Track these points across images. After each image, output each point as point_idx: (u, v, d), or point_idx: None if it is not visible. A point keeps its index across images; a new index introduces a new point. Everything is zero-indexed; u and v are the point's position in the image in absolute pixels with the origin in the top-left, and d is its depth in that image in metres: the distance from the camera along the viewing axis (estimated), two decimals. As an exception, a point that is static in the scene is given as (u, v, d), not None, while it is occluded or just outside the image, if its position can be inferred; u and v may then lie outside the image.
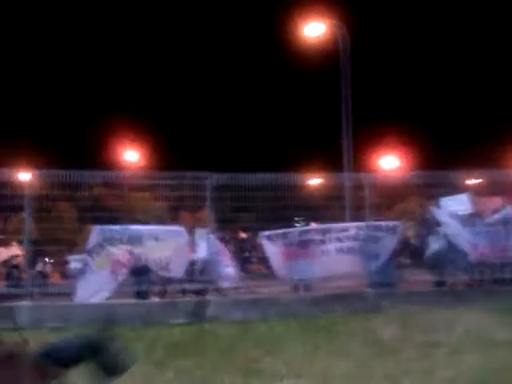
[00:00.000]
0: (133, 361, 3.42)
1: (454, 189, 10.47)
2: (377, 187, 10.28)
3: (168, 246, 9.30)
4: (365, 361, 5.62)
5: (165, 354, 6.12)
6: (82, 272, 9.10)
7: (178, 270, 9.16)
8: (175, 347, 6.55)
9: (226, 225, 12.84)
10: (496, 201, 10.19)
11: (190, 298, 9.04)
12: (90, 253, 9.07)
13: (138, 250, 9.08)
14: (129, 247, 9.03)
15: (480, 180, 11.61)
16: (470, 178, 11.71)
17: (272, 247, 9.92)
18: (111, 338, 3.20)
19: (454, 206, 9.82)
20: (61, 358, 3.12)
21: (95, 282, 8.80)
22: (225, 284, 9.58)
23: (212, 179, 9.00)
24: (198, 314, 8.33)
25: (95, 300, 8.63)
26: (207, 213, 9.18)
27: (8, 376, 2.91)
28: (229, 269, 9.95)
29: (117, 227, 9.29)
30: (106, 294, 8.78)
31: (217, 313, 8.39)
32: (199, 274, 9.52)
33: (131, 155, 31.61)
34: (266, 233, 10.04)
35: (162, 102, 37.17)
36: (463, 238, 9.55)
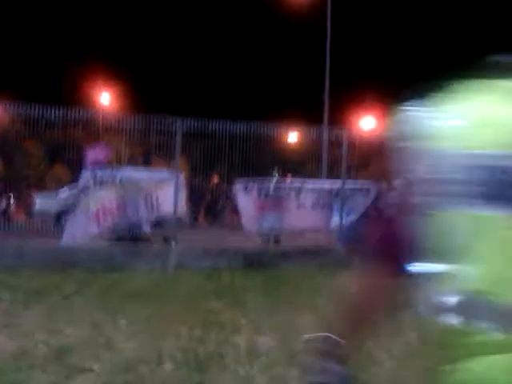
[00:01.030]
0: None
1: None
2: (354, 145, 10.00)
3: (161, 188, 8.99)
4: (326, 316, 5.48)
5: (120, 301, 5.89)
6: (68, 213, 8.76)
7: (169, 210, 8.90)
8: (133, 294, 6.30)
9: (198, 173, 12.53)
10: None
11: (156, 245, 8.75)
12: (77, 195, 8.69)
13: (128, 194, 8.76)
14: (120, 191, 8.68)
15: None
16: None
17: (245, 197, 9.67)
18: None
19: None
20: None
21: (80, 224, 8.46)
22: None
23: (181, 124, 8.55)
24: (162, 261, 8.07)
25: (80, 241, 8.33)
26: (176, 159, 8.77)
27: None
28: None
29: (108, 170, 8.89)
30: (88, 236, 8.47)
31: (182, 261, 8.14)
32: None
33: (105, 97, 30.54)
34: (241, 182, 9.75)
35: (142, 48, 35.81)
36: None
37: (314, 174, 14.51)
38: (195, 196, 12.48)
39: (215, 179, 14.41)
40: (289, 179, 10.81)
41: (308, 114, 20.28)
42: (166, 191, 8.96)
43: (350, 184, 9.51)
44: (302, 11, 21.55)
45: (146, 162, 14.44)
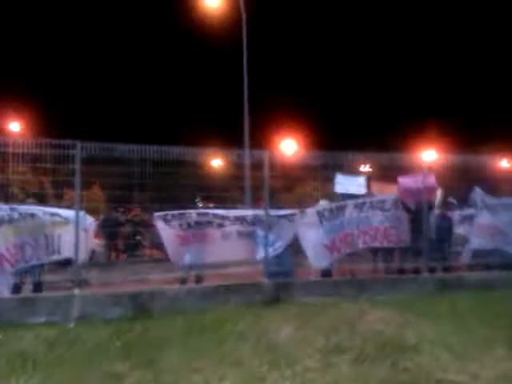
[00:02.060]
0: None
1: (351, 171, 9.88)
2: (275, 167, 9.32)
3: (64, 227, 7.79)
4: (255, 373, 4.63)
5: (4, 367, 4.77)
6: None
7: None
8: (22, 357, 5.16)
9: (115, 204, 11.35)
10: (390, 187, 9.71)
11: (55, 293, 7.50)
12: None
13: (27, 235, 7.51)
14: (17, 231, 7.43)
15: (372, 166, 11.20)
16: (367, 162, 11.24)
17: (166, 229, 8.65)
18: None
19: (348, 186, 9.19)
20: None
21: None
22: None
23: (80, 148, 7.46)
24: (61, 313, 6.88)
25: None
26: (76, 190, 7.61)
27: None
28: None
29: (5, 207, 7.59)
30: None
31: (86, 311, 6.98)
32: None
33: (14, 125, 28.45)
34: (160, 213, 8.74)
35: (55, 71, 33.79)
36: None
37: (239, 201, 13.72)
38: (112, 231, 11.27)
39: (135, 211, 13.27)
40: (211, 208, 9.93)
41: (227, 137, 19.70)
42: (68, 229, 7.82)
43: (274, 210, 8.76)
44: (218, 32, 21.10)
45: (58, 196, 13.00)
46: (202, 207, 9.82)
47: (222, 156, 11.28)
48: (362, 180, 9.32)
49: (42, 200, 9.75)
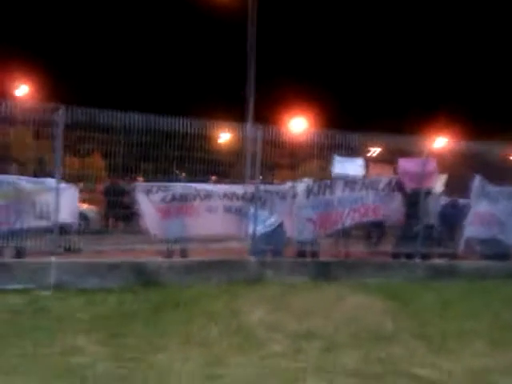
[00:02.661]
0: None
1: (355, 152, 9.54)
2: (273, 143, 9.00)
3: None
4: (221, 356, 4.45)
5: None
6: None
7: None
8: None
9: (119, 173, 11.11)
10: (391, 170, 9.38)
11: (32, 260, 7.34)
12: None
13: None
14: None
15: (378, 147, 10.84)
16: (371, 143, 10.88)
17: (147, 201, 8.40)
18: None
19: (347, 168, 8.89)
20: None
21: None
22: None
23: (63, 114, 7.20)
24: (38, 281, 6.73)
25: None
26: (56, 155, 7.38)
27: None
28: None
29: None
30: None
31: (63, 280, 6.83)
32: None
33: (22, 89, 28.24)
34: (143, 184, 8.51)
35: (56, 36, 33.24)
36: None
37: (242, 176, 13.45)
38: (113, 200, 11.07)
39: (138, 181, 13.05)
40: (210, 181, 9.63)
41: (235, 112, 19.30)
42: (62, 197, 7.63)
43: (268, 187, 8.51)
44: (224, 6, 20.51)
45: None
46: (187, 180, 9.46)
47: (226, 129, 10.93)
48: (360, 162, 9.00)
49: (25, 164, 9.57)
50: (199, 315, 5.48)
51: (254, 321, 5.32)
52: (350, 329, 5.15)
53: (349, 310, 5.70)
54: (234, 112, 19.62)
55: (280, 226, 8.62)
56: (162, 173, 8.97)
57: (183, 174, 9.27)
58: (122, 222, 12.67)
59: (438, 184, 9.71)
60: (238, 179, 12.14)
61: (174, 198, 8.42)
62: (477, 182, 9.04)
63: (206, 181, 9.31)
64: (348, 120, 24.96)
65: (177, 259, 8.05)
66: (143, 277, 7.21)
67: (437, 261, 8.82)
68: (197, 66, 32.39)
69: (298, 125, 28.48)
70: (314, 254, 8.67)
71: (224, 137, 12.86)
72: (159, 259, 7.88)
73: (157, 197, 8.38)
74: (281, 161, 10.59)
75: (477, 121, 25.61)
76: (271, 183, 8.89)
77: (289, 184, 8.89)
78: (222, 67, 30.76)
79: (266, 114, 21.30)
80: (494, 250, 8.94)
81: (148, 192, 8.39)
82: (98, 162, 13.56)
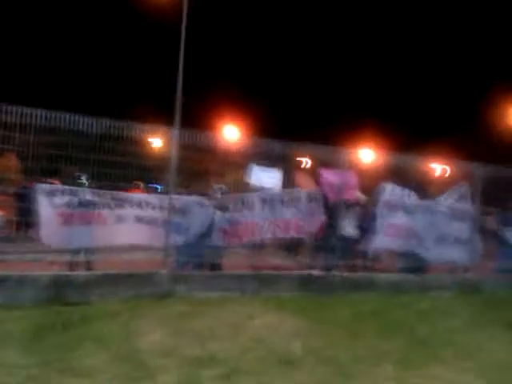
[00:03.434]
0: None
1: (283, 162, 9.19)
2: (195, 149, 8.48)
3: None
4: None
5: None
6: None
7: None
8: None
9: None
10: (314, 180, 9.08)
11: None
12: None
13: None
14: None
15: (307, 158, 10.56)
16: (300, 153, 10.60)
17: (48, 206, 7.55)
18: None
19: (263, 179, 8.52)
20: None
21: None
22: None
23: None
24: None
25: None
26: None
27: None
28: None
29: None
30: None
31: None
32: None
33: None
34: (45, 186, 7.65)
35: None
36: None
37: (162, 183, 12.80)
38: (21, 205, 10.06)
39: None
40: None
41: (166, 116, 18.57)
42: None
43: (184, 196, 7.97)
44: (158, 10, 19.88)
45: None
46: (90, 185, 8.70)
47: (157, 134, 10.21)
48: (276, 173, 8.61)
49: None
50: (88, 339, 4.86)
51: (149, 345, 4.78)
52: (256, 352, 4.73)
53: (257, 330, 5.29)
54: (170, 117, 18.99)
55: (200, 236, 8.12)
56: (73, 177, 8.23)
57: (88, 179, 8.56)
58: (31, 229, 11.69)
59: (361, 196, 9.57)
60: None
61: (80, 204, 7.71)
62: (386, 189, 8.92)
63: (124, 187, 8.67)
64: (281, 129, 24.91)
65: (76, 272, 7.32)
66: (31, 293, 6.43)
67: (354, 274, 8.62)
68: (132, 69, 31.50)
69: (230, 132, 28.21)
70: (217, 267, 8.26)
71: (149, 141, 12.17)
72: (53, 272, 7.08)
73: (60, 201, 7.61)
74: (201, 167, 10.09)
75: (402, 133, 26.37)
76: (190, 191, 8.34)
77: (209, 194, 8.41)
78: (157, 70, 30.01)
79: (201, 120, 20.80)
80: (410, 264, 8.85)
81: (50, 195, 7.60)
82: (10, 163, 12.50)
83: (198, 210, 8.19)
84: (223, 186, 8.40)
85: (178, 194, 8.06)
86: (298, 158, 10.97)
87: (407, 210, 8.95)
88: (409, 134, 26.67)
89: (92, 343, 4.73)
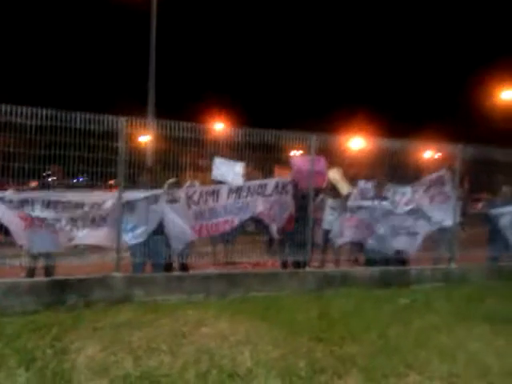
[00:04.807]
0: None
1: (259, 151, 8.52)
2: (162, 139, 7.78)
3: None
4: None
5: None
6: None
7: None
8: None
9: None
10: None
11: None
12: None
13: None
14: None
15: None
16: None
17: (8, 210, 6.94)
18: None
19: (226, 173, 7.87)
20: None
21: None
22: None
23: None
24: None
25: None
26: None
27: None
28: None
29: None
30: None
31: None
32: None
33: None
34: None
35: None
36: None
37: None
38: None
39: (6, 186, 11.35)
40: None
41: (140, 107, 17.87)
42: None
43: (132, 192, 7.29)
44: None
45: None
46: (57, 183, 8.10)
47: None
48: (239, 168, 7.92)
49: None
50: (12, 355, 4.26)
51: (80, 361, 4.18)
52: (200, 366, 4.14)
53: (205, 339, 4.69)
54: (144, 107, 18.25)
55: (157, 235, 7.49)
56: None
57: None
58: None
59: (344, 186, 8.97)
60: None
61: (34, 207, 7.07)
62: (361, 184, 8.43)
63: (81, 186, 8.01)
64: (272, 120, 24.28)
65: (20, 279, 6.69)
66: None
67: (328, 269, 8.04)
68: (106, 60, 30.77)
69: (212, 123, 27.46)
70: (184, 267, 7.68)
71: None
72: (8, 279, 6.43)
73: (16, 206, 6.99)
74: (173, 160, 9.37)
75: (387, 119, 25.88)
76: (139, 186, 7.60)
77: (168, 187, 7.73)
78: (130, 61, 29.31)
79: (186, 112, 20.08)
80: (378, 256, 8.23)
81: (5, 201, 6.95)
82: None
83: (146, 205, 7.49)
84: (193, 183, 7.71)
85: (125, 188, 7.34)
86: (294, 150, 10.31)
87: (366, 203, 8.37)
88: (393, 118, 26.18)
89: (14, 361, 4.13)
